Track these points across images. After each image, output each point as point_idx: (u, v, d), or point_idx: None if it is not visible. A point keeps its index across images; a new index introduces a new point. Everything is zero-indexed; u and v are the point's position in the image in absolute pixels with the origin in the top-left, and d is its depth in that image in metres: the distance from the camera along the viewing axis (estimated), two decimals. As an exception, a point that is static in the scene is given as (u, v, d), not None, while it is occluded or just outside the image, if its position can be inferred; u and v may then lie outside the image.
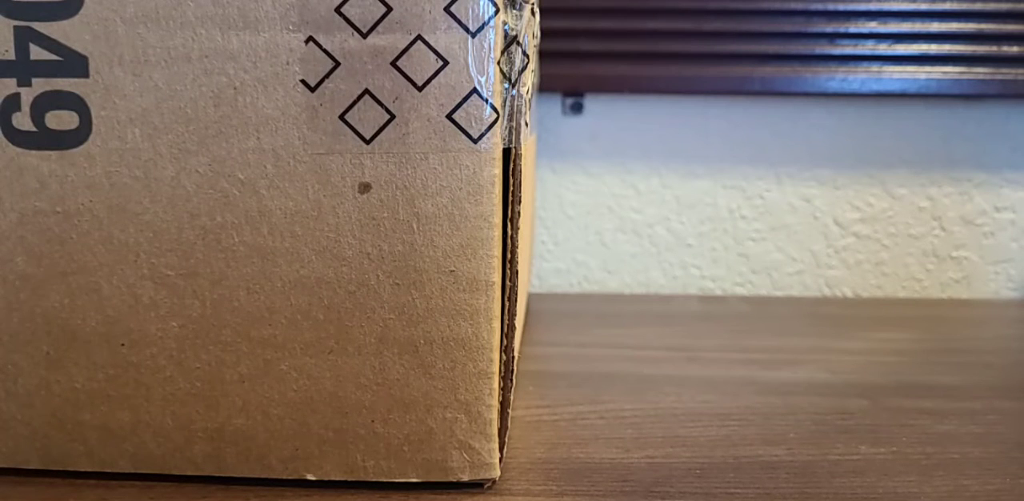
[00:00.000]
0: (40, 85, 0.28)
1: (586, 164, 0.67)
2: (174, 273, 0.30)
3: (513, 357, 0.31)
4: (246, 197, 0.29)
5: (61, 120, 0.29)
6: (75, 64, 0.28)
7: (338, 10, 0.27)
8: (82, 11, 0.28)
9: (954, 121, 0.65)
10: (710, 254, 0.68)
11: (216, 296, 0.30)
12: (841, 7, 0.60)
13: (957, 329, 0.57)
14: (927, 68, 0.61)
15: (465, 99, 0.28)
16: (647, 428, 0.37)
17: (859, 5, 0.60)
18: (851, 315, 0.59)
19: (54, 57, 0.28)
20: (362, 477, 0.31)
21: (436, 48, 0.27)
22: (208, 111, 0.28)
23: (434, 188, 0.28)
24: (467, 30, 0.27)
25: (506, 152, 0.29)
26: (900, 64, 0.61)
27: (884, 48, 0.61)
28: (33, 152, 0.29)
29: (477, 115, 0.28)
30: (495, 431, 0.30)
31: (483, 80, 0.27)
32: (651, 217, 0.67)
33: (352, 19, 0.27)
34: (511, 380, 0.31)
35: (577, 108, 0.66)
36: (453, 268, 0.29)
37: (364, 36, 0.27)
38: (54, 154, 0.29)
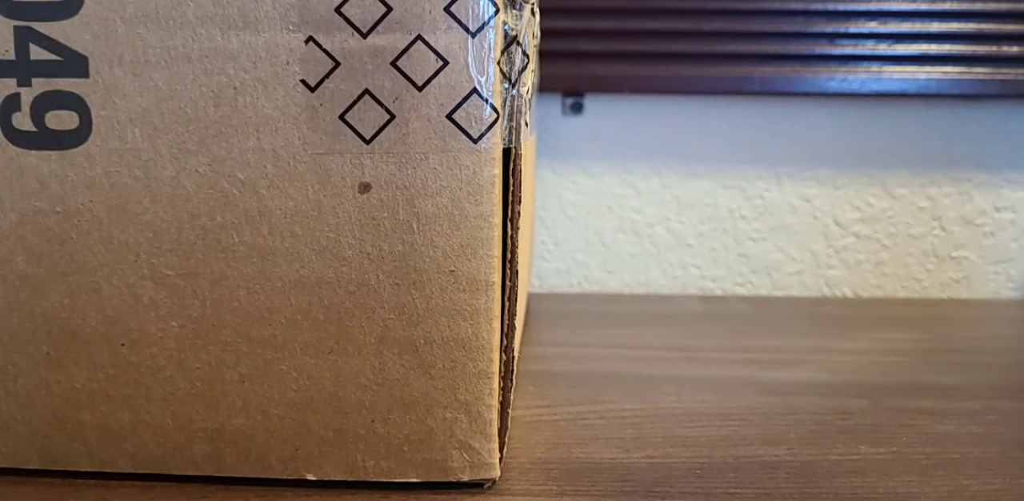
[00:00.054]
0: (40, 85, 0.28)
1: (586, 164, 0.67)
2: (174, 273, 0.30)
3: (513, 357, 0.31)
4: (246, 197, 0.29)
5: (61, 120, 0.29)
6: (75, 64, 0.28)
7: (338, 10, 0.27)
8: (82, 11, 0.28)
9: (954, 121, 0.65)
10: (710, 254, 0.68)
11: (216, 296, 0.30)
12: (841, 7, 0.60)
13: (957, 329, 0.57)
14: (927, 68, 0.61)
15: (465, 99, 0.28)
16: (647, 428, 0.37)
17: (859, 5, 0.60)
18: (851, 315, 0.59)
19: (54, 57, 0.28)
20: (362, 477, 0.31)
21: (436, 48, 0.27)
22: (208, 111, 0.28)
23: (434, 188, 0.28)
24: (467, 30, 0.27)
25: (506, 152, 0.29)
26: (900, 64, 0.61)
27: (884, 48, 0.61)
28: (33, 152, 0.29)
29: (477, 115, 0.28)
30: (495, 431, 0.30)
31: (483, 80, 0.27)
32: (651, 217, 0.67)
33: (352, 19, 0.27)
34: (511, 380, 0.31)
35: (577, 108, 0.66)
36: (453, 268, 0.29)
37: (364, 36, 0.27)
38: (54, 154, 0.29)
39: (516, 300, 0.31)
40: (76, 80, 0.28)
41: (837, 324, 0.56)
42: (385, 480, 0.31)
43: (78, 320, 0.30)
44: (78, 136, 0.29)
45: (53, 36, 0.28)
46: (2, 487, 0.31)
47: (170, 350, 0.30)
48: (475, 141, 0.28)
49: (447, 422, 0.30)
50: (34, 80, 0.28)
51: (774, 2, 0.60)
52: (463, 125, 0.28)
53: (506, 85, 0.28)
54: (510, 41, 0.28)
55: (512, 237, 0.29)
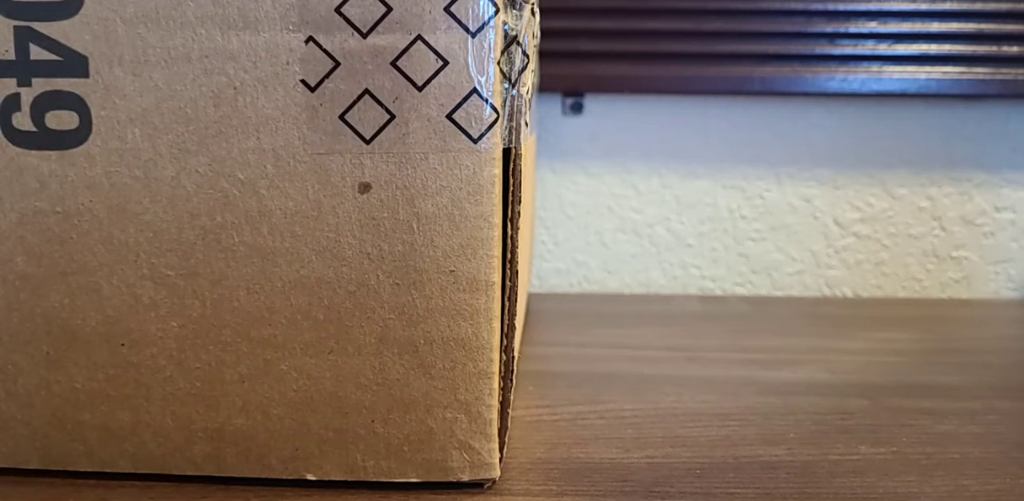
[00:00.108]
0: (40, 85, 0.28)
1: (586, 164, 0.67)
2: (174, 273, 0.30)
3: (513, 357, 0.31)
4: (246, 197, 0.29)
5: (61, 120, 0.29)
6: (75, 64, 0.28)
7: (338, 10, 0.27)
8: (82, 11, 0.28)
9: (954, 121, 0.65)
10: (710, 254, 0.68)
11: (216, 296, 0.30)
12: (841, 7, 0.60)
13: (957, 329, 0.57)
14: (927, 68, 0.61)
15: (465, 99, 0.28)
16: (647, 428, 0.37)
17: (859, 5, 0.60)
18: (851, 315, 0.59)
19: (54, 57, 0.28)
20: (362, 477, 0.31)
21: (436, 48, 0.27)
22: (208, 111, 0.28)
23: (434, 188, 0.28)
24: (467, 30, 0.27)
25: (506, 152, 0.29)
26: (900, 64, 0.61)
27: (884, 48, 0.61)
28: (33, 152, 0.29)
29: (477, 115, 0.28)
30: (495, 431, 0.30)
31: (483, 80, 0.27)
32: (651, 217, 0.67)
33: (352, 19, 0.27)
34: (511, 380, 0.31)
35: (577, 108, 0.66)
36: (453, 268, 0.29)
37: (364, 36, 0.27)
38: (54, 154, 0.29)
39: (516, 300, 0.31)
40: (76, 80, 0.28)
41: (837, 324, 0.56)
42: (385, 480, 0.31)
43: (78, 320, 0.30)
44: (78, 136, 0.29)
45: (53, 36, 0.28)
46: (2, 487, 0.31)
47: (170, 350, 0.30)
48: (475, 141, 0.28)
49: (447, 422, 0.30)
50: (34, 80, 0.28)
51: (774, 2, 0.60)
52: (463, 125, 0.28)
53: (506, 85, 0.28)
54: (510, 41, 0.28)
55: (512, 237, 0.29)
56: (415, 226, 0.29)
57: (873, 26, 0.61)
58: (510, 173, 0.29)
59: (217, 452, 0.31)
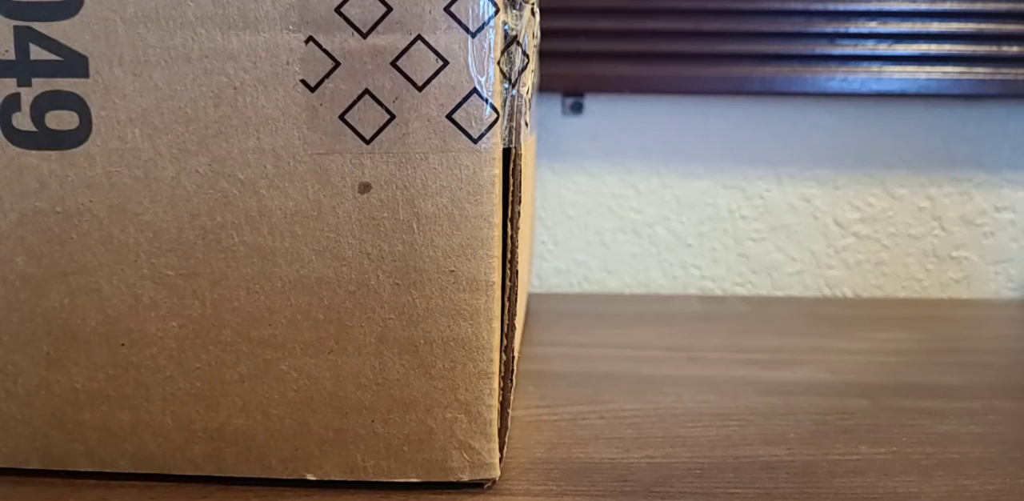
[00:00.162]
0: (40, 85, 0.28)
1: (586, 164, 0.67)
2: (174, 273, 0.30)
3: (513, 357, 0.31)
4: (246, 197, 0.29)
5: (61, 120, 0.29)
6: (75, 64, 0.28)
7: (338, 10, 0.27)
8: (82, 11, 0.28)
9: (954, 121, 0.65)
10: (710, 254, 0.68)
11: (216, 296, 0.30)
12: (841, 7, 0.60)
13: (957, 329, 0.57)
14: (927, 68, 0.61)
15: (465, 99, 0.28)
16: (647, 428, 0.37)
17: (859, 5, 0.60)
18: (851, 315, 0.59)
19: (54, 57, 0.28)
20: (362, 477, 0.31)
21: (436, 48, 0.27)
22: (208, 111, 0.28)
23: (434, 188, 0.28)
24: (467, 30, 0.27)
25: (506, 152, 0.29)
26: (900, 64, 0.61)
27: (884, 48, 0.61)
28: (33, 152, 0.29)
29: (477, 115, 0.28)
30: (495, 431, 0.30)
31: (483, 80, 0.27)
32: (651, 217, 0.67)
33: (352, 19, 0.27)
34: (511, 380, 0.31)
35: (577, 108, 0.66)
36: (453, 268, 0.29)
37: (364, 36, 0.27)
38: (54, 154, 0.29)
39: (516, 300, 0.31)
40: (76, 80, 0.28)
41: (837, 324, 0.56)
42: (385, 480, 0.31)
43: (78, 320, 0.30)
44: (78, 136, 0.29)
45: (53, 36, 0.28)
46: (2, 487, 0.31)
47: (170, 350, 0.30)
48: (475, 141, 0.28)
49: (447, 422, 0.30)
50: (34, 80, 0.28)
51: (774, 2, 0.60)
52: (463, 125, 0.28)
53: (506, 85, 0.28)
54: (510, 41, 0.28)
55: (512, 237, 0.29)
56: (415, 226, 0.29)
57: (873, 26, 0.61)
58: (510, 173, 0.29)
59: (217, 452, 0.31)
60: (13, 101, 0.29)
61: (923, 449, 0.35)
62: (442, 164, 0.28)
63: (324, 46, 0.27)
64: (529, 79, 0.30)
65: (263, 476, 0.31)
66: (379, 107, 0.28)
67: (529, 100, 0.30)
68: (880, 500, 0.31)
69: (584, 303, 0.62)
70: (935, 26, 0.61)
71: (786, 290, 0.68)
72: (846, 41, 0.61)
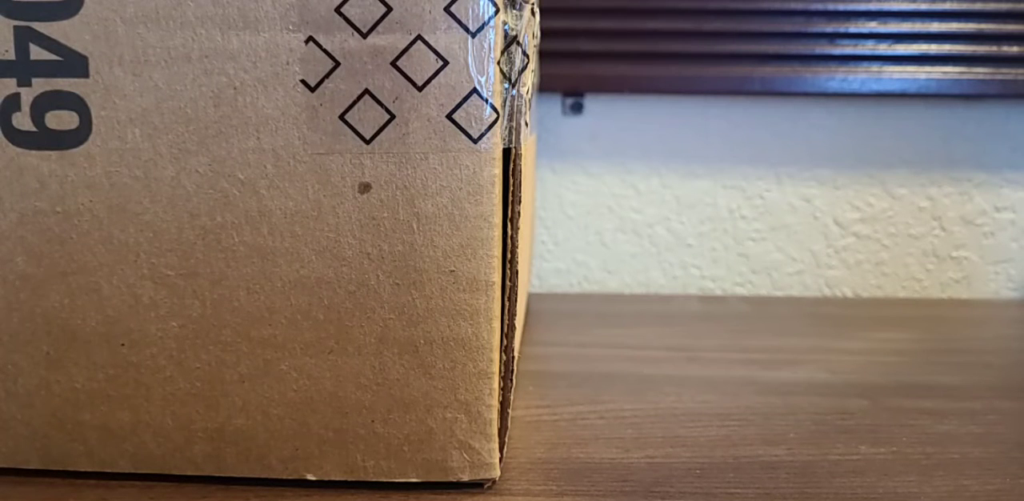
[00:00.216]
0: (40, 85, 0.28)
1: (586, 164, 0.67)
2: (174, 273, 0.30)
3: (513, 357, 0.31)
4: (246, 197, 0.29)
5: (61, 120, 0.29)
6: (75, 64, 0.28)
7: (338, 10, 0.27)
8: (82, 11, 0.28)
9: (954, 121, 0.65)
10: (710, 254, 0.68)
11: (216, 296, 0.30)
12: (841, 7, 0.60)
13: (957, 329, 0.57)
14: (927, 68, 0.61)
15: (465, 99, 0.28)
16: (647, 428, 0.37)
17: (859, 5, 0.60)
18: (851, 315, 0.59)
19: (54, 57, 0.28)
20: (362, 477, 0.31)
21: (436, 48, 0.27)
22: (208, 111, 0.28)
23: (434, 188, 0.28)
24: (467, 30, 0.27)
25: (506, 152, 0.29)
26: (900, 64, 0.61)
27: (884, 48, 0.61)
28: (33, 152, 0.29)
29: (477, 115, 0.28)
30: (495, 431, 0.30)
31: (483, 80, 0.27)
32: (651, 217, 0.67)
33: (352, 19, 0.27)
34: (511, 380, 0.31)
35: (577, 108, 0.66)
36: (453, 268, 0.29)
37: (364, 36, 0.27)
38: (54, 154, 0.29)
39: (516, 300, 0.31)
40: (76, 80, 0.28)
41: (837, 324, 0.56)
42: (385, 480, 0.31)
43: (78, 320, 0.30)
44: (78, 136, 0.29)
45: (53, 36, 0.28)
46: (2, 487, 0.31)
47: (170, 350, 0.30)
48: (475, 141, 0.28)
49: (447, 422, 0.30)
50: (34, 80, 0.28)
51: (774, 2, 0.60)
52: (463, 125, 0.28)
53: (506, 85, 0.28)
54: (510, 41, 0.28)
55: (512, 237, 0.29)
56: (415, 226, 0.29)
57: (873, 26, 0.61)
58: (510, 173, 0.29)
59: (217, 452, 0.31)
60: (13, 101, 0.29)
61: (923, 449, 0.35)
62: (442, 164, 0.28)
63: (324, 46, 0.27)
64: (529, 79, 0.30)
65: (263, 476, 0.31)
66: (379, 107, 0.28)
67: (529, 100, 0.30)
68: (880, 500, 0.31)
69: (584, 303, 0.62)
70: (935, 26, 0.61)
71: (786, 290, 0.68)
72: (846, 41, 0.61)
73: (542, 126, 0.66)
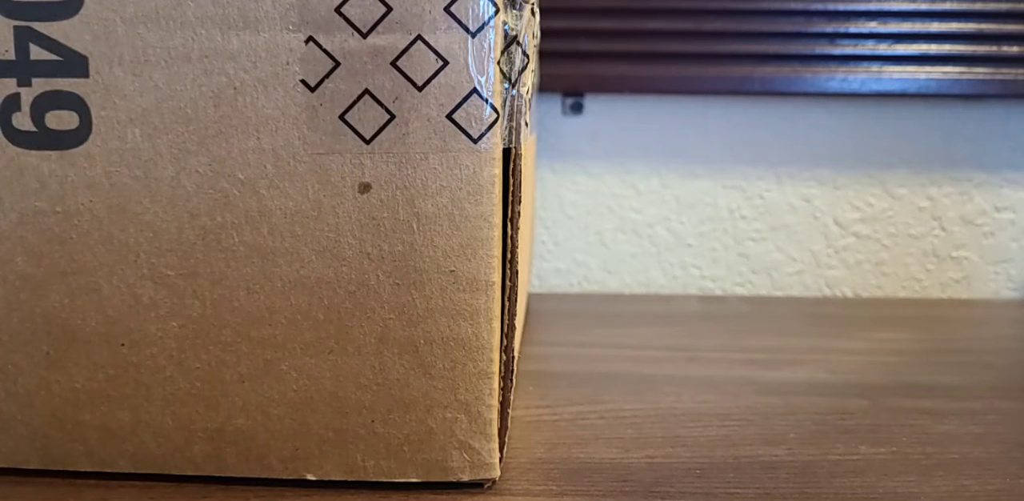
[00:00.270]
0: (40, 85, 0.28)
1: (586, 164, 0.67)
2: (174, 273, 0.30)
3: (513, 357, 0.31)
4: (246, 197, 0.29)
5: (61, 120, 0.29)
6: (75, 64, 0.28)
7: (338, 10, 0.27)
8: (82, 11, 0.28)
9: (954, 121, 0.65)
10: (710, 254, 0.68)
11: (216, 296, 0.30)
12: (841, 7, 0.60)
13: (957, 329, 0.57)
14: (927, 68, 0.61)
15: (465, 99, 0.28)
16: (647, 428, 0.37)
17: (859, 5, 0.60)
18: (851, 315, 0.59)
19: (54, 57, 0.28)
20: (362, 477, 0.31)
21: (436, 48, 0.27)
22: (208, 111, 0.28)
23: (434, 188, 0.28)
24: (467, 30, 0.27)
25: (506, 152, 0.29)
26: (900, 64, 0.61)
27: (884, 48, 0.61)
28: (33, 152, 0.29)
29: (477, 115, 0.28)
30: (495, 431, 0.30)
31: (483, 80, 0.27)
32: (651, 217, 0.67)
33: (352, 19, 0.27)
34: (511, 380, 0.31)
35: (577, 108, 0.66)
36: (453, 268, 0.29)
37: (364, 36, 0.27)
38: (54, 154, 0.29)
39: (516, 300, 0.31)
40: (76, 80, 0.28)
41: (837, 324, 0.56)
42: (385, 480, 0.31)
43: (78, 320, 0.30)
44: (78, 136, 0.29)
45: (53, 36, 0.28)
46: (2, 487, 0.31)
47: (170, 350, 0.30)
48: (475, 141, 0.28)
49: (447, 422, 0.30)
50: (34, 80, 0.28)
51: (774, 2, 0.60)
52: (463, 125, 0.28)
53: (506, 85, 0.28)
54: (510, 41, 0.28)
55: (512, 237, 0.29)
56: (415, 226, 0.29)
57: (873, 26, 0.61)
58: (510, 173, 0.29)
59: (217, 452, 0.31)
60: (13, 101, 0.29)
61: (923, 449, 0.35)
62: (442, 164, 0.28)
63: (324, 46, 0.27)
64: (529, 79, 0.30)
65: (263, 476, 0.31)
66: (379, 107, 0.28)
67: (529, 100, 0.30)
68: (880, 500, 0.31)
69: (584, 303, 0.62)
70: (935, 26, 0.61)
71: (786, 290, 0.68)
72: (846, 41, 0.61)
73: (542, 126, 0.66)
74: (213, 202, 0.29)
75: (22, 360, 0.31)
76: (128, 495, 0.31)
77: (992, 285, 0.67)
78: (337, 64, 0.27)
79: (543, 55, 0.61)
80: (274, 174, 0.28)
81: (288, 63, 0.28)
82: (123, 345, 0.30)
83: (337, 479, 0.31)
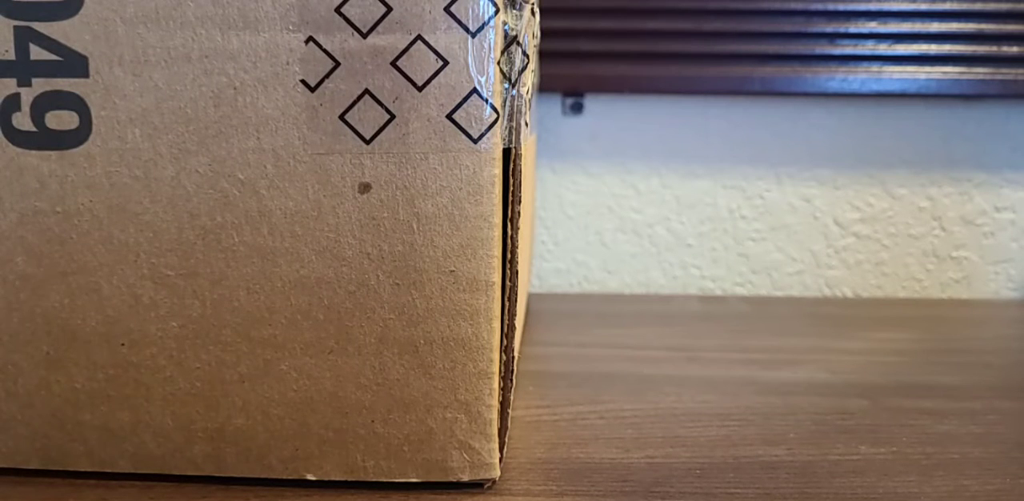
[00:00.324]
0: (40, 85, 0.28)
1: (586, 164, 0.67)
2: (174, 273, 0.30)
3: (513, 357, 0.31)
4: (246, 197, 0.29)
5: (61, 120, 0.29)
6: (75, 64, 0.28)
7: (338, 10, 0.27)
8: (82, 11, 0.28)
9: (954, 121, 0.65)
10: (710, 254, 0.68)
11: (216, 296, 0.30)
12: (841, 7, 0.60)
13: (957, 329, 0.57)
14: (927, 68, 0.61)
15: (465, 99, 0.28)
16: (647, 428, 0.37)
17: (859, 5, 0.60)
18: (851, 315, 0.59)
19: (54, 57, 0.28)
20: (362, 477, 0.31)
21: (436, 48, 0.27)
22: (208, 111, 0.28)
23: (434, 188, 0.28)
24: (467, 30, 0.27)
25: (506, 152, 0.29)
26: (900, 64, 0.61)
27: (884, 48, 0.61)
28: (33, 152, 0.29)
29: (477, 115, 0.28)
30: (495, 431, 0.30)
31: (483, 80, 0.27)
32: (651, 217, 0.67)
33: (352, 19, 0.27)
34: (511, 380, 0.31)
35: (577, 108, 0.66)
36: (453, 268, 0.29)
37: (364, 36, 0.27)
38: (54, 154, 0.29)
39: (516, 300, 0.31)
40: (76, 80, 0.28)
41: (837, 324, 0.56)
42: (385, 480, 0.31)
43: (78, 320, 0.30)
44: (78, 136, 0.29)
45: (53, 36, 0.28)
46: (2, 487, 0.31)
47: (170, 350, 0.30)
48: (475, 141, 0.28)
49: (447, 422, 0.30)
50: (34, 80, 0.28)
51: (774, 2, 0.60)
52: (463, 125, 0.28)
53: (506, 85, 0.28)
54: (510, 41, 0.28)
55: (512, 237, 0.29)
56: (415, 226, 0.29)
57: (873, 26, 0.61)
58: (510, 173, 0.29)
59: (217, 452, 0.31)
60: (13, 101, 0.29)
61: (923, 449, 0.35)
62: (442, 164, 0.28)
63: (324, 46, 0.27)
64: (529, 79, 0.30)
65: (263, 476, 0.31)
66: (379, 107, 0.28)
67: (529, 100, 0.30)
68: (880, 500, 0.31)
69: (584, 303, 0.62)
70: (935, 26, 0.61)
71: (786, 290, 0.68)
72: (846, 41, 0.61)
73: (542, 126, 0.66)
74: (213, 202, 0.29)
75: (22, 360, 0.31)
76: (128, 495, 0.31)
77: (992, 285, 0.67)
78: (337, 64, 0.27)
79: (543, 55, 0.61)
80: (274, 174, 0.28)
81: (288, 63, 0.28)
82: (123, 345, 0.30)
83: (337, 479, 0.31)
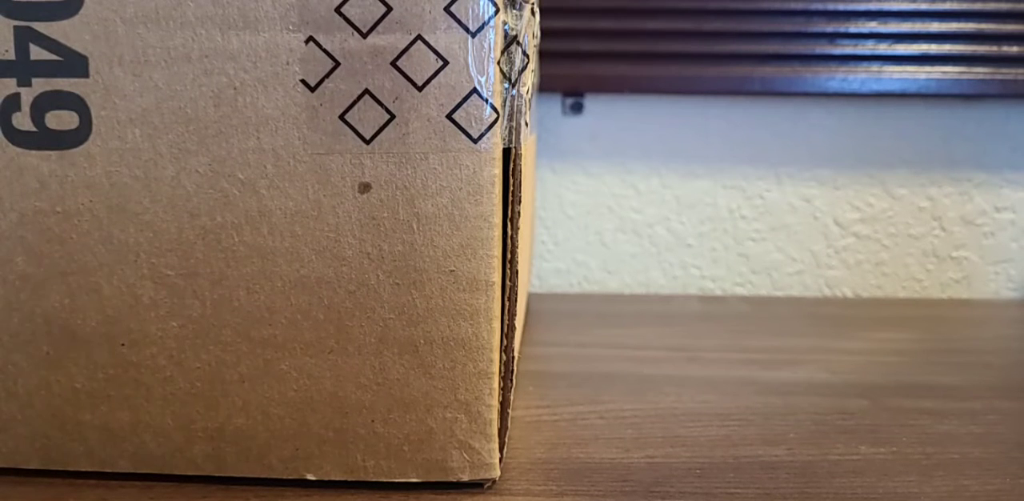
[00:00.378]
0: (40, 85, 0.28)
1: (586, 164, 0.67)
2: (174, 273, 0.30)
3: (513, 357, 0.31)
4: (246, 197, 0.29)
5: (61, 120, 0.29)
6: (75, 64, 0.28)
7: (338, 10, 0.27)
8: (82, 11, 0.28)
9: (954, 121, 0.65)
10: (710, 254, 0.68)
11: (216, 296, 0.30)
12: (841, 7, 0.60)
13: (957, 329, 0.57)
14: (927, 68, 0.61)
15: (465, 99, 0.28)
16: (647, 428, 0.37)
17: (859, 5, 0.60)
18: (851, 315, 0.59)
19: (54, 57, 0.28)
20: (362, 477, 0.31)
21: (436, 48, 0.27)
22: (208, 111, 0.28)
23: (434, 188, 0.28)
24: (467, 30, 0.27)
25: (506, 152, 0.29)
26: (900, 64, 0.61)
27: (884, 48, 0.61)
28: (33, 152, 0.29)
29: (477, 115, 0.28)
30: (495, 431, 0.30)
31: (483, 80, 0.27)
32: (651, 217, 0.67)
33: (352, 19, 0.27)
34: (511, 380, 0.31)
35: (577, 108, 0.66)
36: (453, 268, 0.29)
37: (364, 36, 0.27)
38: (54, 154, 0.29)
39: (516, 300, 0.31)
40: (76, 80, 0.28)
41: (837, 324, 0.56)
42: (385, 480, 0.31)
43: (78, 320, 0.30)
44: (78, 136, 0.29)
45: (53, 36, 0.28)
46: (2, 487, 0.31)
47: (170, 350, 0.30)
48: (475, 141, 0.28)
49: (447, 422, 0.30)
50: (34, 80, 0.28)
51: (774, 2, 0.60)
52: (463, 125, 0.28)
53: (506, 85, 0.28)
54: (510, 41, 0.28)
55: (512, 237, 0.29)
56: (415, 226, 0.29)
57: (873, 26, 0.61)
58: (510, 173, 0.29)
59: (217, 452, 0.31)
60: (13, 101, 0.29)
61: (923, 449, 0.35)
62: (442, 164, 0.28)
63: (324, 46, 0.27)
64: (529, 79, 0.30)
65: (263, 476, 0.31)
66: (379, 107, 0.28)
67: (529, 100, 0.30)
68: (880, 500, 0.31)
69: (584, 303, 0.62)
70: (935, 26, 0.61)
71: (786, 290, 0.68)
72: (846, 41, 0.61)
73: (542, 126, 0.66)
74: (213, 202, 0.29)
75: (22, 360, 0.31)
76: (128, 495, 0.31)
77: (992, 285, 0.67)
78: (337, 64, 0.27)
79: (543, 55, 0.61)
80: (274, 174, 0.28)
81: (288, 63, 0.28)
82: (123, 345, 0.30)
83: (337, 479, 0.31)
